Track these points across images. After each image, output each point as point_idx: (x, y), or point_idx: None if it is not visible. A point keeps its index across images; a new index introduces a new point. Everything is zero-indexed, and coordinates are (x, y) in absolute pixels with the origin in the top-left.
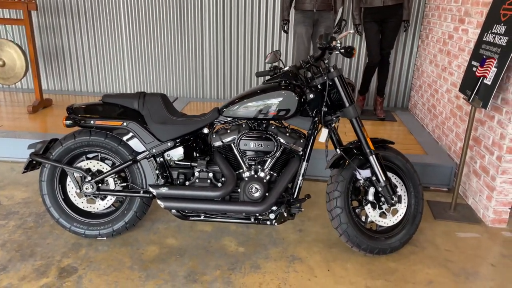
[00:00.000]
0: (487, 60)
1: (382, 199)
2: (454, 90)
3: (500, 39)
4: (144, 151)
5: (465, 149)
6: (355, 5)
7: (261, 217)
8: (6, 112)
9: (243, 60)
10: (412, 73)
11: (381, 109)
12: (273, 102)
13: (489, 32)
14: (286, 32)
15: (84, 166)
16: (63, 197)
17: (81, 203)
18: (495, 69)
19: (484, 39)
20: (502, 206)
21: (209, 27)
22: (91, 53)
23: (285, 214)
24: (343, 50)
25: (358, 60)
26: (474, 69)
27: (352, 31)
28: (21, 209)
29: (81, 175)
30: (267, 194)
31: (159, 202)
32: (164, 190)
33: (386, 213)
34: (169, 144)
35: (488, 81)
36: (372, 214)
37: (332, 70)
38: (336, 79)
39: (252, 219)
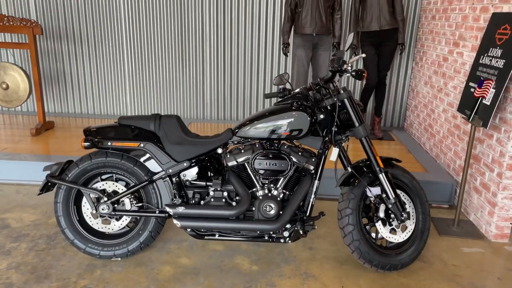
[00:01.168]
0: (485, 82)
1: (392, 215)
2: (451, 110)
3: (497, 61)
4: (160, 171)
5: (466, 167)
6: (353, 29)
7: (275, 235)
8: (9, 135)
9: (243, 82)
10: (407, 94)
11: (379, 129)
12: (285, 123)
13: (486, 55)
14: (286, 55)
15: (100, 187)
16: (78, 218)
17: (96, 223)
18: (494, 90)
19: (480, 61)
20: (504, 221)
21: (210, 49)
22: (93, 77)
23: (300, 232)
24: (354, 73)
25: (356, 81)
26: (472, 90)
27: (364, 55)
28: (31, 231)
29: (96, 196)
30: (281, 212)
31: (175, 221)
32: (181, 209)
33: (396, 229)
34: (185, 164)
35: (487, 102)
36: (382, 231)
37: (342, 91)
38: (346, 100)
39: (266, 238)
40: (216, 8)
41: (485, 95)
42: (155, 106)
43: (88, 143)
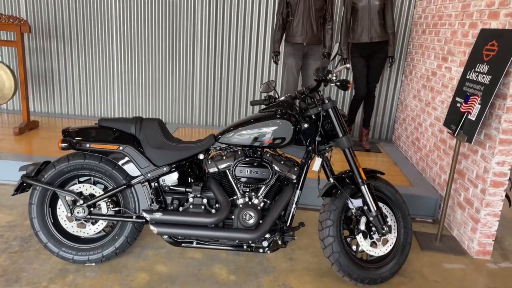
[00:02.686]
0: (471, 97)
1: (373, 228)
2: (438, 124)
3: (484, 77)
4: (139, 176)
5: (450, 182)
6: (343, 40)
7: (254, 245)
8: None
9: (233, 88)
10: (396, 107)
11: (367, 141)
12: (269, 131)
13: (473, 70)
14: (276, 63)
15: (76, 189)
16: (52, 221)
17: (71, 227)
18: (479, 106)
19: (467, 77)
20: (486, 238)
21: (200, 54)
22: (81, 77)
23: (279, 242)
24: (338, 83)
25: (345, 92)
26: (458, 105)
27: (349, 65)
28: (6, 232)
29: (72, 199)
30: (261, 221)
31: (152, 227)
32: (158, 215)
33: (377, 242)
34: (164, 169)
35: (472, 117)
36: (363, 244)
37: (326, 101)
38: (330, 110)
39: (245, 247)
40: (208, 14)
41: (470, 110)
42: (143, 109)
43: (66, 144)
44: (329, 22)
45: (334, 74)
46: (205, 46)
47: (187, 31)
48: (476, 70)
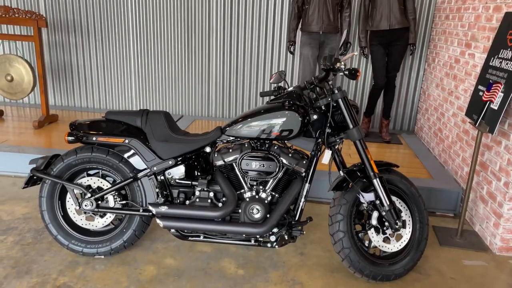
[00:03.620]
0: (493, 85)
1: (386, 223)
2: (461, 114)
3: (507, 64)
4: (145, 169)
5: (472, 175)
6: (362, 28)
7: (261, 239)
8: (12, 127)
9: (249, 80)
10: (418, 96)
11: (387, 132)
12: (276, 122)
13: (496, 57)
14: (292, 53)
15: (85, 182)
16: (62, 214)
17: (80, 220)
18: (502, 94)
19: (490, 63)
20: (509, 233)
21: (216, 46)
22: (99, 71)
23: (286, 237)
24: (347, 72)
25: (364, 82)
26: (481, 93)
27: (356, 53)
28: (20, 224)
29: (81, 192)
30: (268, 215)
31: (158, 221)
32: (163, 209)
33: (390, 238)
34: (170, 162)
35: (494, 106)
36: (375, 239)
37: (336, 91)
38: (340, 100)
39: (253, 241)
40: (223, 6)
41: (493, 99)
42: (160, 102)
43: (72, 138)
44: (347, 9)
45: (343, 63)
46: (221, 38)
47: (203, 24)
48: (500, 56)
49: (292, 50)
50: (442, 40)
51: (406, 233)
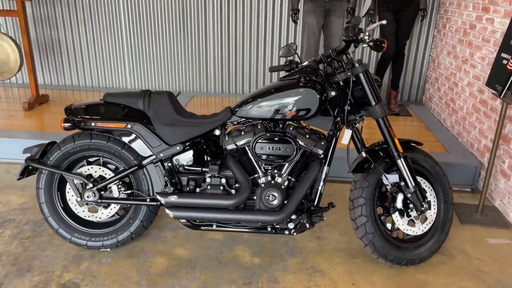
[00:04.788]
0: None
1: (411, 205)
2: (477, 83)
3: None
4: (150, 156)
5: (495, 148)
6: None
7: (278, 227)
8: (1, 109)
9: (249, 53)
10: (427, 65)
11: (396, 104)
12: (292, 101)
13: None
14: (296, 22)
15: (85, 172)
16: (62, 206)
17: (82, 211)
18: None
19: None
20: None
21: (213, 17)
22: (89, 46)
23: (306, 224)
24: (372, 43)
25: (371, 51)
26: (505, 62)
27: (384, 22)
28: (18, 216)
29: (81, 182)
30: (285, 201)
31: (167, 211)
32: (173, 198)
33: (415, 220)
34: (178, 148)
35: None
36: (400, 223)
37: (357, 65)
38: (361, 75)
39: (269, 229)
40: None
41: None
42: (155, 79)
43: (69, 124)
44: None
45: (367, 33)
46: (217, 8)
47: None
48: None
49: (295, 19)
50: (454, 4)
51: (431, 215)
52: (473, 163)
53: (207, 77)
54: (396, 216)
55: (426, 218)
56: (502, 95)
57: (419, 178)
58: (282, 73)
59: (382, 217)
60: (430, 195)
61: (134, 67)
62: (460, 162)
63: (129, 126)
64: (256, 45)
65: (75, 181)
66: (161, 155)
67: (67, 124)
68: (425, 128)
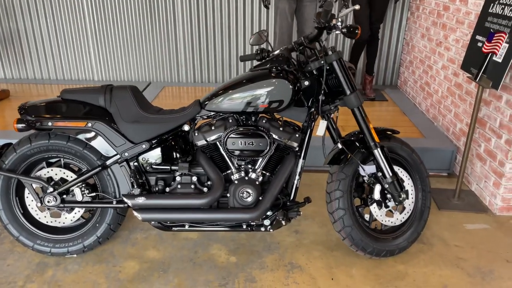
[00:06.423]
0: (495, 35)
1: (389, 196)
2: (452, 66)
3: (511, 10)
4: (114, 155)
5: (471, 132)
6: None
7: (254, 224)
8: None
9: (220, 40)
10: (401, 48)
11: (371, 89)
12: (264, 93)
13: (497, 2)
14: (267, 7)
15: (45, 174)
16: (22, 212)
17: (44, 217)
18: (507, 45)
19: (490, 10)
20: (511, 193)
21: (182, 3)
22: (51, 36)
23: (283, 221)
24: (345, 30)
25: (346, 40)
26: (480, 44)
27: (357, 7)
28: None
29: (41, 186)
30: (260, 198)
31: (135, 214)
32: (140, 200)
33: (393, 211)
34: (143, 146)
35: (498, 58)
36: (378, 214)
37: (330, 52)
38: (335, 63)
39: (244, 226)
40: None
41: (496, 50)
42: (124, 69)
43: (23, 125)
44: None
45: (340, 19)
46: None
47: None
48: (501, 1)
49: (266, 3)
50: None
51: (409, 204)
52: (449, 147)
53: (178, 66)
54: (374, 207)
55: (404, 208)
56: (478, 79)
57: (396, 167)
58: (254, 62)
59: (360, 209)
60: (408, 184)
61: (101, 58)
62: (436, 147)
63: (89, 124)
64: (227, 32)
65: (34, 185)
66: (126, 154)
67: (20, 125)
68: (401, 112)
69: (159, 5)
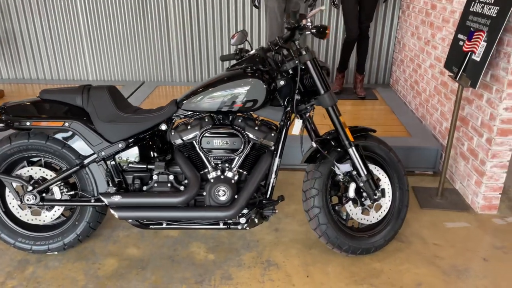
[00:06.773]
0: (475, 33)
1: (364, 194)
2: (438, 65)
3: (490, 9)
4: (92, 154)
5: (452, 131)
6: None
7: (231, 222)
8: None
9: (213, 40)
10: (393, 47)
11: (361, 88)
12: (239, 92)
13: (477, 1)
14: (257, 7)
15: (25, 173)
16: (3, 210)
17: (25, 215)
18: (485, 44)
19: (471, 9)
20: (492, 192)
21: (174, 3)
22: (46, 36)
23: (257, 219)
24: (314, 30)
25: (336, 35)
26: (461, 43)
27: (323, 7)
28: None
29: (21, 185)
30: (236, 196)
31: (112, 212)
32: (117, 198)
33: (369, 209)
34: (120, 145)
35: (477, 57)
36: (353, 212)
37: (304, 52)
38: (308, 63)
39: (221, 225)
40: None
41: (475, 49)
42: (118, 68)
43: (2, 125)
44: None
45: (309, 20)
46: None
47: None
48: (481, 0)
49: (256, 3)
50: None
51: (386, 202)
52: (434, 146)
53: (171, 65)
54: (349, 205)
55: (380, 206)
56: (458, 78)
57: (373, 166)
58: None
59: (336, 207)
60: (384, 183)
61: (95, 58)
62: (422, 146)
63: (66, 124)
64: (219, 32)
65: (14, 184)
66: (103, 153)
67: (0, 125)
68: (390, 111)
69: (152, 5)
